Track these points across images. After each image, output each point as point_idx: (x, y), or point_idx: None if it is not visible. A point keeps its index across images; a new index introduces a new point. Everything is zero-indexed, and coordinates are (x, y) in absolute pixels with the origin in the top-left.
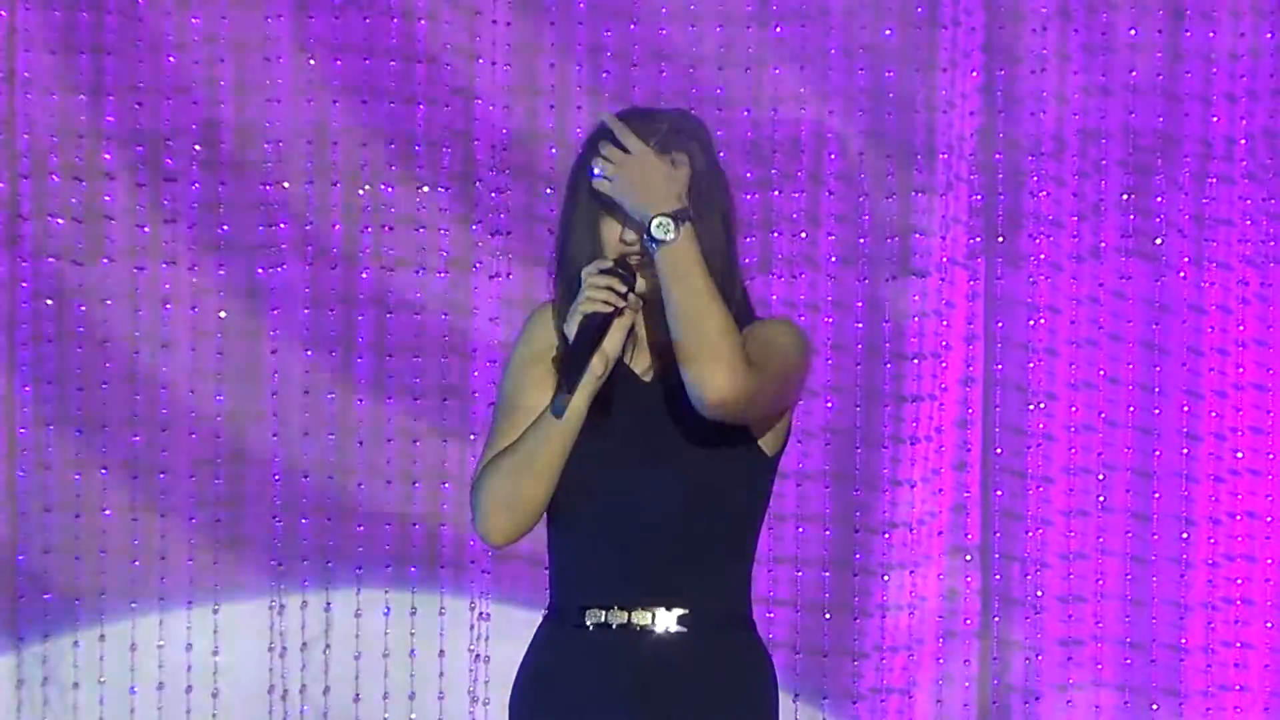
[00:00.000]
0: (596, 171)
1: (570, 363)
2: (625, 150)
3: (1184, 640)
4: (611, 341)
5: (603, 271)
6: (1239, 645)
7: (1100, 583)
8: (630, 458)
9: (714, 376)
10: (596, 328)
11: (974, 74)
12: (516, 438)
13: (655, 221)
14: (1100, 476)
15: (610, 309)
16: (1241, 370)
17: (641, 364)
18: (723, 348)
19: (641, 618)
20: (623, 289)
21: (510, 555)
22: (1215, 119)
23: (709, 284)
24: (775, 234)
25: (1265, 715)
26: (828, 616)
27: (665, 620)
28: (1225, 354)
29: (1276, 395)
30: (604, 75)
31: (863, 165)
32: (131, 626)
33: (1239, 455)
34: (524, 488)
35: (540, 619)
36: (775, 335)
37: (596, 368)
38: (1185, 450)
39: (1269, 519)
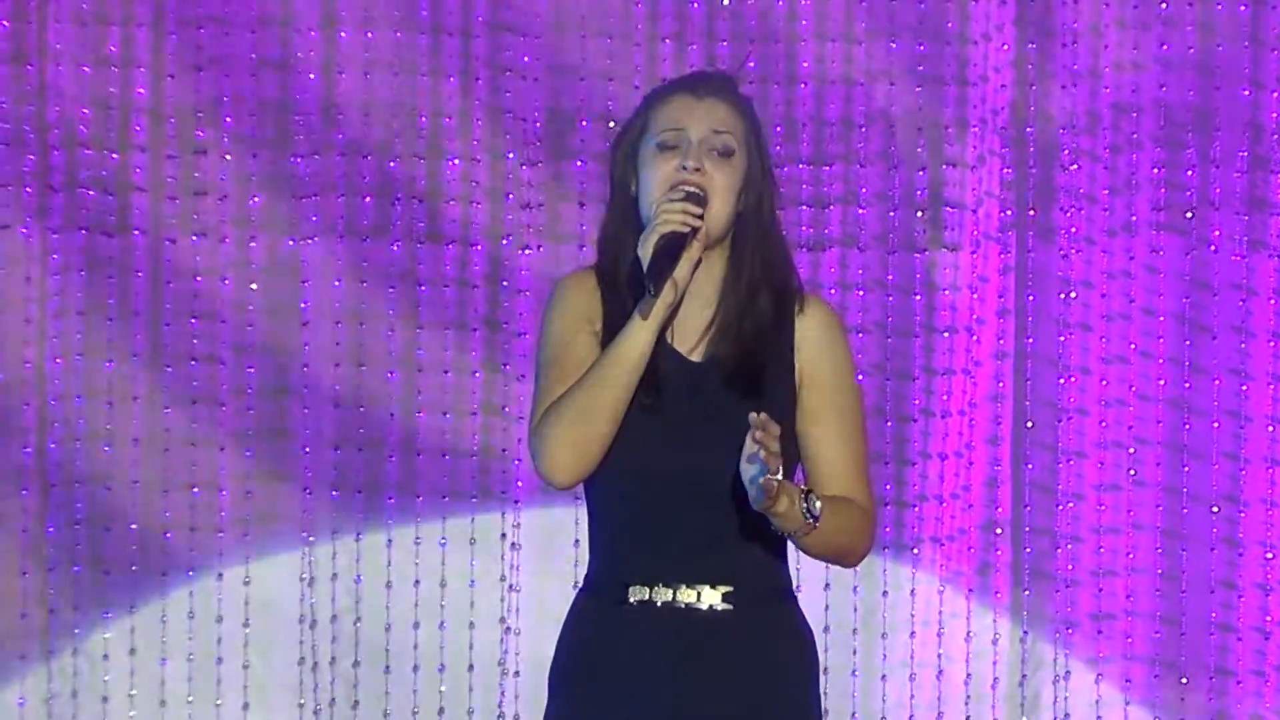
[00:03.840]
0: (759, 480)
1: (654, 269)
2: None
3: (1214, 616)
4: (681, 271)
5: (674, 199)
6: (1273, 624)
7: (1131, 557)
8: (678, 437)
9: (867, 540)
10: (676, 244)
11: (1005, 47)
12: (573, 383)
13: (806, 518)
14: (1132, 451)
15: (687, 229)
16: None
17: (685, 345)
18: (865, 542)
19: (687, 595)
20: (697, 210)
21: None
22: (1247, 93)
23: (838, 520)
24: (806, 209)
25: None
26: (858, 590)
27: (710, 598)
28: (1254, 336)
29: None
30: (634, 48)
31: (894, 139)
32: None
33: (1276, 432)
34: (589, 424)
35: (575, 595)
36: (855, 398)
37: (668, 294)
38: (1217, 425)
39: None
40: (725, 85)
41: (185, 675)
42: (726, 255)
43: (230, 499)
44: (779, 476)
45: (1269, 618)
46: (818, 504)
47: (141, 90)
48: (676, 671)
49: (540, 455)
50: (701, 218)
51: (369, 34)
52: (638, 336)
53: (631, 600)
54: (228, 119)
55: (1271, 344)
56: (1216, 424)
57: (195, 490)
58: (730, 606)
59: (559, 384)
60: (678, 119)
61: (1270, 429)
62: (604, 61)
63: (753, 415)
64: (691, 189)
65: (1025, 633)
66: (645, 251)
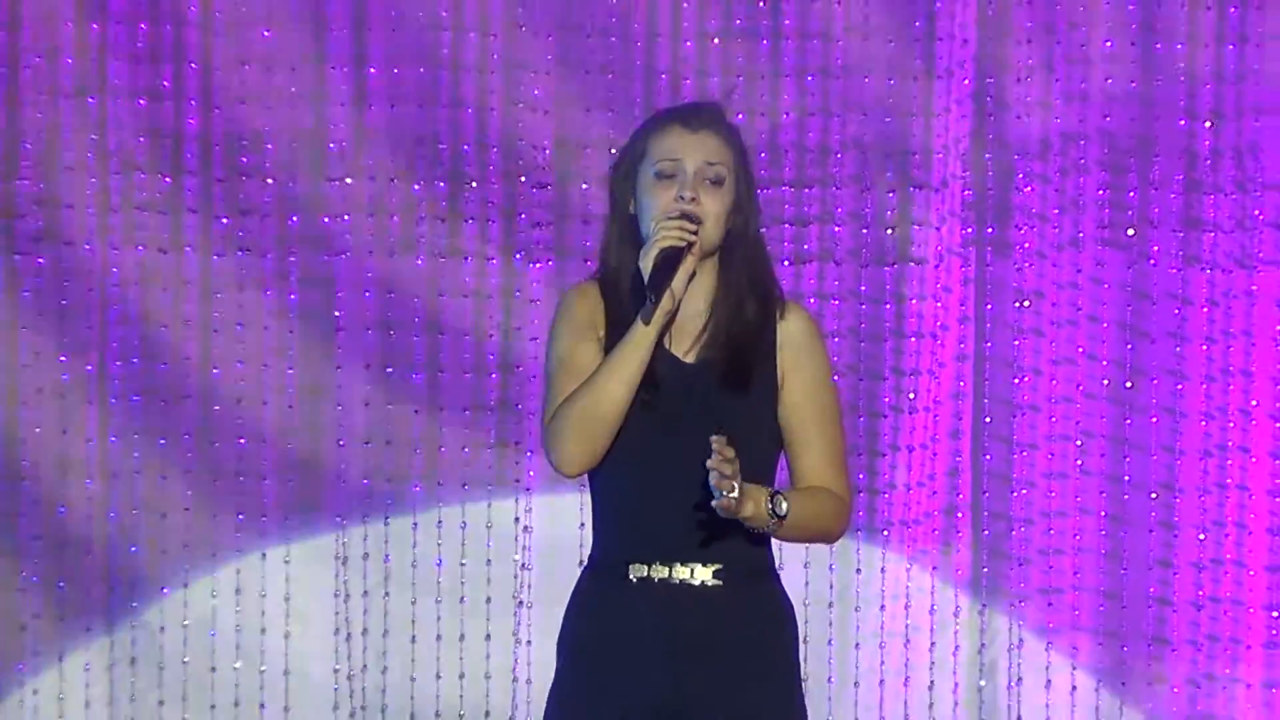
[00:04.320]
0: (722, 494)
1: (655, 280)
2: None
3: (1152, 591)
4: (678, 282)
5: (671, 217)
6: (1205, 598)
7: (1078, 538)
8: (675, 430)
9: (843, 523)
10: (674, 257)
11: (966, 82)
12: (582, 384)
13: (771, 522)
14: (1079, 443)
15: (683, 243)
16: (1211, 357)
17: (680, 349)
18: (840, 525)
19: (681, 572)
20: (692, 227)
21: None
22: (1183, 123)
23: (809, 510)
24: (788, 227)
25: (1219, 661)
26: (834, 568)
27: (702, 574)
28: (1188, 340)
29: (1237, 378)
30: (634, 83)
31: (867, 164)
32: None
33: (1208, 427)
34: (596, 420)
35: (581, 572)
36: (832, 396)
37: (666, 303)
38: (1155, 420)
39: (1238, 487)
40: (716, 118)
41: (233, 644)
42: (716, 269)
43: (273, 488)
44: (735, 494)
45: (1201, 592)
46: (784, 506)
47: (191, 120)
48: (672, 640)
49: (552, 448)
50: (696, 234)
51: (395, 69)
52: (640, 340)
53: (631, 577)
54: (269, 146)
55: (1204, 348)
56: (1155, 419)
57: (241, 479)
58: (720, 582)
59: (568, 386)
60: (674, 150)
61: (1203, 424)
62: (605, 95)
63: (713, 438)
64: (685, 214)
65: (983, 606)
66: (646, 264)
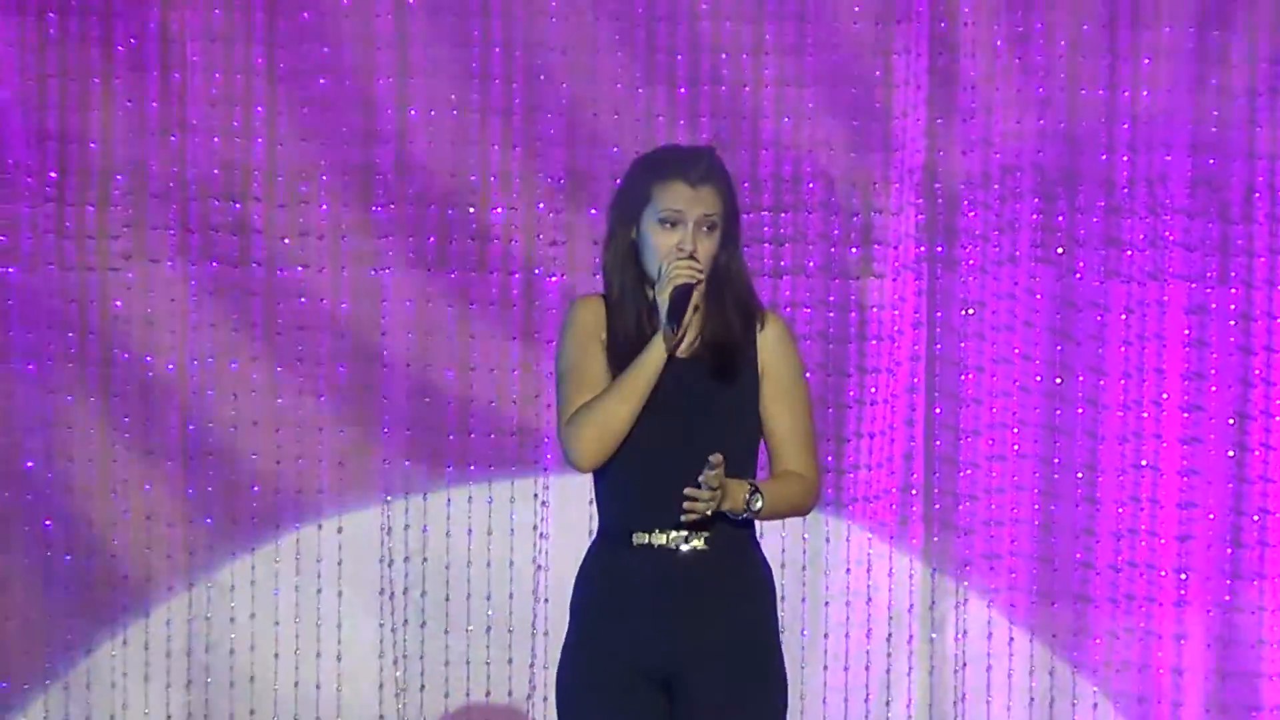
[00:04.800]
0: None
1: (673, 312)
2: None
3: (1078, 557)
4: (689, 314)
5: (681, 259)
6: (1123, 563)
7: (1015, 511)
8: (672, 417)
9: (812, 501)
10: (685, 293)
11: (919, 122)
12: (601, 391)
13: (745, 513)
14: (1015, 430)
15: (695, 280)
16: (1128, 357)
17: (681, 347)
18: (806, 500)
19: (676, 539)
20: (699, 266)
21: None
22: (1104, 157)
23: (781, 494)
24: (767, 246)
25: (1135, 617)
26: (806, 538)
27: (695, 542)
28: (1108, 343)
29: (1150, 375)
30: (636, 122)
31: (834, 192)
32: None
33: (1126, 417)
34: (613, 418)
35: (590, 543)
36: (804, 391)
37: (686, 322)
38: (1081, 411)
39: (1151, 468)
40: (713, 170)
41: (293, 602)
42: (706, 290)
43: (327, 467)
44: (710, 508)
45: (1119, 557)
46: (759, 503)
47: (259, 156)
48: (668, 596)
49: (571, 450)
50: (702, 272)
51: (432, 112)
52: (654, 363)
53: (634, 544)
54: (324, 177)
55: (1122, 349)
56: (1080, 410)
57: (300, 461)
58: (709, 548)
59: (579, 386)
60: (677, 203)
61: (1121, 414)
62: (613, 132)
63: (711, 457)
64: (690, 255)
65: (934, 570)
66: (663, 299)
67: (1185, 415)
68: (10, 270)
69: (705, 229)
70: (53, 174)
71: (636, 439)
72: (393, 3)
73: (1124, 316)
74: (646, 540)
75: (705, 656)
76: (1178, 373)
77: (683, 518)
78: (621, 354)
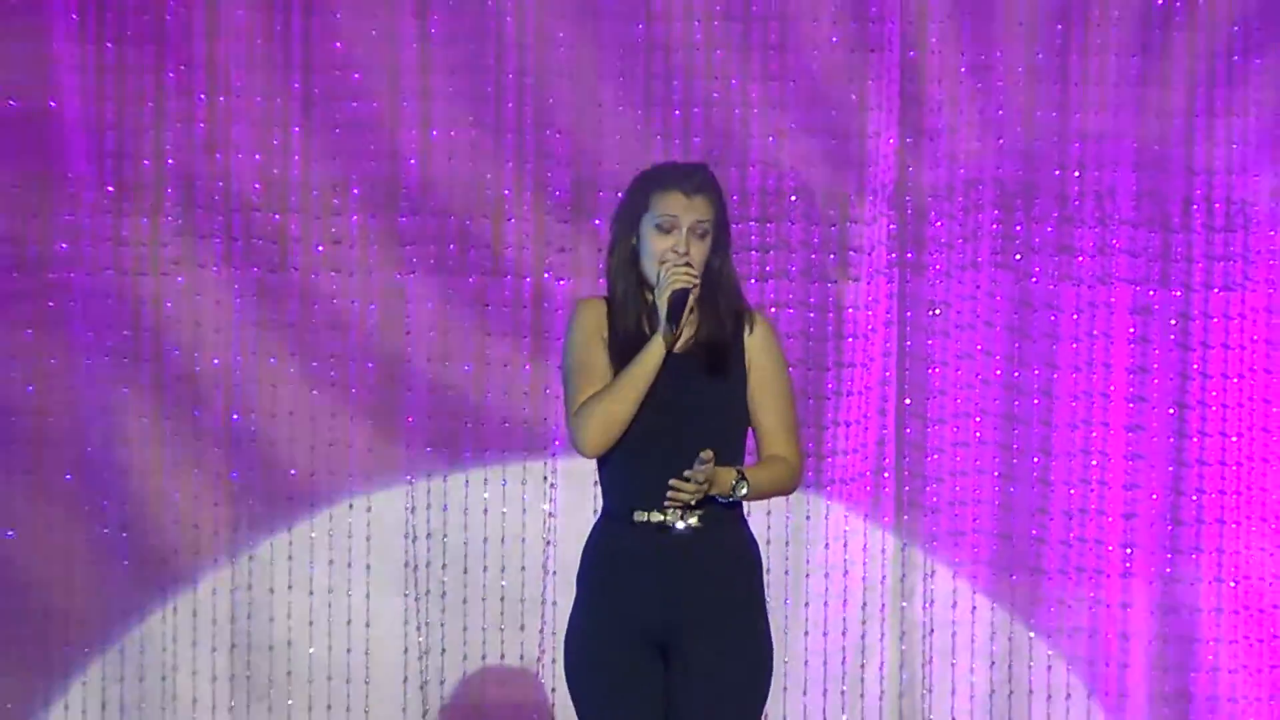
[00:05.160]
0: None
1: (672, 314)
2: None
3: (1034, 533)
4: (686, 315)
5: (679, 265)
6: (1073, 539)
7: (977, 493)
8: (669, 408)
9: (795, 484)
10: (683, 295)
11: (891, 141)
12: (606, 385)
13: (732, 496)
14: (977, 419)
15: (691, 285)
16: (1078, 353)
17: (678, 345)
18: (789, 483)
19: (673, 517)
20: (695, 271)
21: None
22: (1057, 173)
23: (766, 479)
24: (754, 253)
25: (1084, 587)
26: (789, 516)
27: (689, 519)
28: (1061, 339)
29: (1098, 370)
30: (635, 141)
31: (815, 205)
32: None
33: (1076, 407)
34: (617, 410)
35: (596, 517)
36: (787, 383)
37: (683, 323)
38: (1036, 402)
39: (1100, 453)
40: (706, 181)
41: (326, 574)
42: (699, 293)
43: (357, 453)
44: (694, 498)
45: (1070, 534)
46: (744, 490)
47: (295, 172)
48: (665, 568)
49: (579, 439)
50: (698, 276)
51: (452, 133)
52: (655, 360)
53: (635, 522)
54: (354, 191)
55: (1073, 346)
56: (1035, 401)
57: (332, 447)
58: (703, 526)
59: (585, 381)
60: (673, 210)
61: (1072, 404)
62: (615, 150)
63: (702, 453)
64: (685, 261)
65: (904, 544)
66: (662, 301)
67: (1130, 405)
68: (72, 275)
69: (698, 234)
70: (110, 188)
71: (637, 428)
72: (416, 33)
73: (1075, 316)
74: (646, 518)
75: (698, 622)
76: (1123, 367)
77: (665, 504)
78: (623, 350)
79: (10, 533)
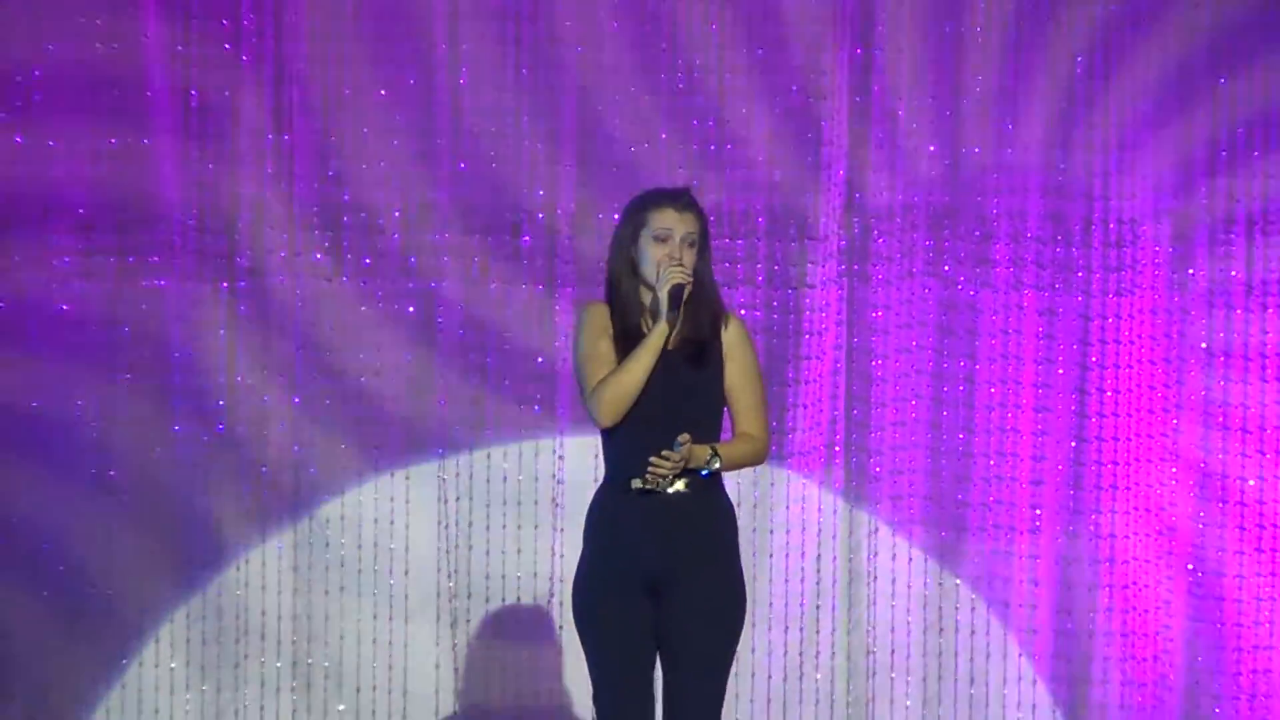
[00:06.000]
0: (645, 483)
1: (674, 304)
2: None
3: (960, 497)
4: (682, 307)
5: (675, 266)
6: (992, 501)
7: (913, 463)
8: (660, 392)
9: (762, 458)
10: (680, 290)
11: (841, 173)
12: (615, 367)
13: (708, 469)
14: (912, 403)
15: (686, 280)
16: (994, 346)
17: (669, 339)
18: (757, 456)
19: (664, 484)
20: (689, 270)
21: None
22: (979, 199)
23: (736, 453)
24: (726, 265)
25: (1001, 542)
26: (757, 482)
27: (677, 486)
28: (980, 335)
29: (1011, 360)
30: (633, 175)
31: (777, 223)
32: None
33: (993, 392)
34: (631, 384)
35: (597, 484)
36: (757, 373)
37: (679, 314)
38: (961, 388)
39: (1013, 429)
40: (692, 202)
41: (373, 531)
42: (691, 288)
43: (397, 431)
44: (671, 474)
45: (990, 497)
46: (715, 464)
47: (348, 198)
48: (658, 526)
49: (598, 411)
50: (690, 275)
51: (478, 165)
52: (659, 342)
53: (632, 487)
54: (395, 213)
55: (991, 341)
56: (960, 387)
57: (377, 425)
58: (689, 491)
59: (597, 366)
60: (668, 223)
61: (991, 389)
62: (617, 180)
63: (681, 436)
64: (679, 262)
65: (852, 507)
66: (663, 295)
67: (1038, 391)
68: (162, 282)
69: (689, 244)
70: (194, 210)
71: (635, 410)
72: (448, 85)
73: (992, 316)
74: (641, 485)
75: (685, 570)
76: (1032, 359)
77: (647, 476)
78: (628, 341)
79: (124, 499)
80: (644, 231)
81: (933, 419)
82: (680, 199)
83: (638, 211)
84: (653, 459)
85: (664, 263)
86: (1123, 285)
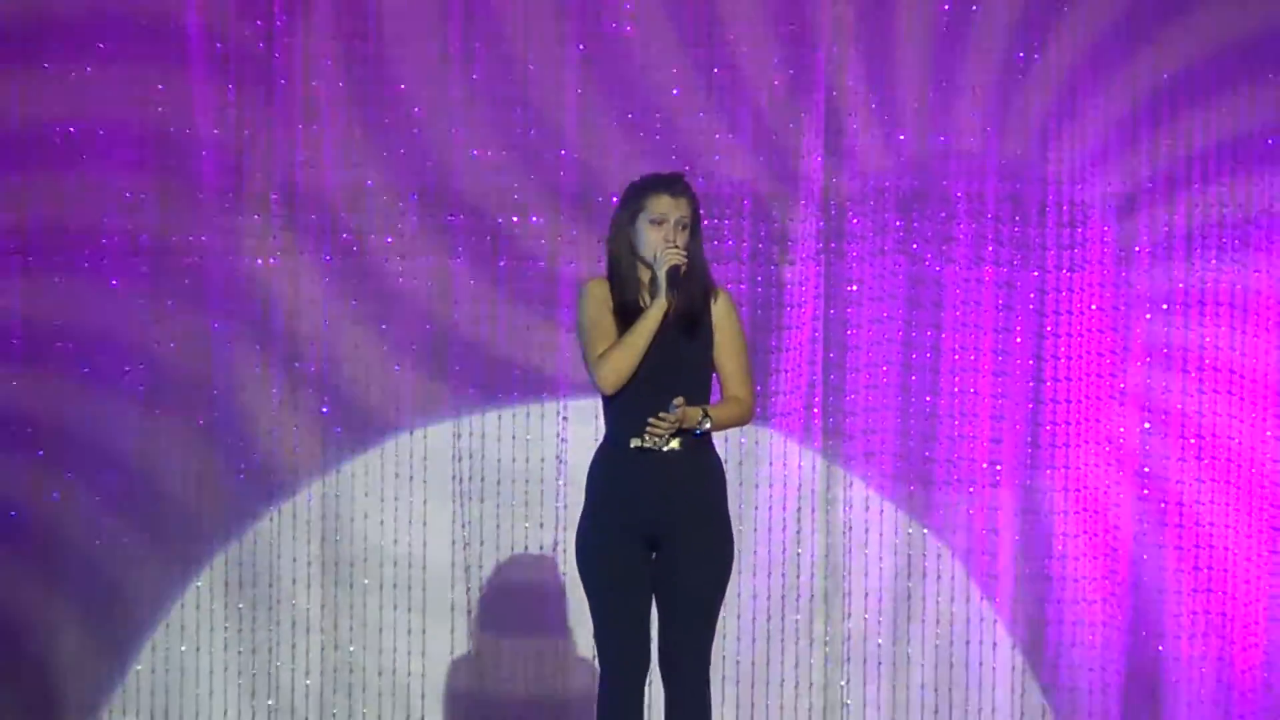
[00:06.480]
0: (645, 443)
1: (671, 282)
2: (668, 421)
3: (927, 454)
4: (679, 284)
5: (672, 248)
6: (956, 458)
7: (884, 424)
8: (658, 360)
9: (748, 418)
10: (677, 269)
11: (818, 159)
12: (617, 340)
13: (700, 429)
14: (884, 369)
15: (682, 261)
16: (955, 315)
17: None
18: (744, 417)
19: (660, 443)
20: (684, 252)
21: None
22: (945, 182)
23: (725, 415)
24: (715, 244)
25: (963, 495)
26: (743, 441)
27: (672, 444)
28: (943, 308)
29: (971, 329)
30: (628, 163)
31: (763, 209)
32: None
33: (955, 359)
34: (632, 355)
35: (598, 443)
36: (743, 342)
37: (676, 293)
38: (928, 354)
39: (973, 391)
40: (686, 186)
41: (393, 486)
42: (685, 267)
43: (414, 395)
44: (668, 433)
45: (954, 454)
46: (706, 425)
47: (369, 183)
48: (653, 484)
49: (601, 379)
50: (686, 256)
51: (489, 152)
52: (657, 316)
53: (631, 446)
54: (413, 197)
55: (956, 313)
56: (927, 354)
57: (397, 389)
58: (682, 449)
59: (599, 337)
60: (663, 208)
61: (955, 356)
62: (614, 168)
63: (675, 400)
64: (674, 245)
65: (829, 463)
66: (661, 274)
67: (998, 358)
68: (201, 259)
69: (682, 227)
70: (230, 194)
71: (634, 376)
72: (461, 78)
73: (956, 290)
74: (639, 444)
75: (679, 520)
76: (992, 328)
77: (645, 436)
78: (626, 315)
79: (172, 466)
80: (641, 215)
81: (902, 383)
82: (674, 186)
83: (635, 197)
84: (651, 419)
85: (660, 245)
86: (1075, 261)
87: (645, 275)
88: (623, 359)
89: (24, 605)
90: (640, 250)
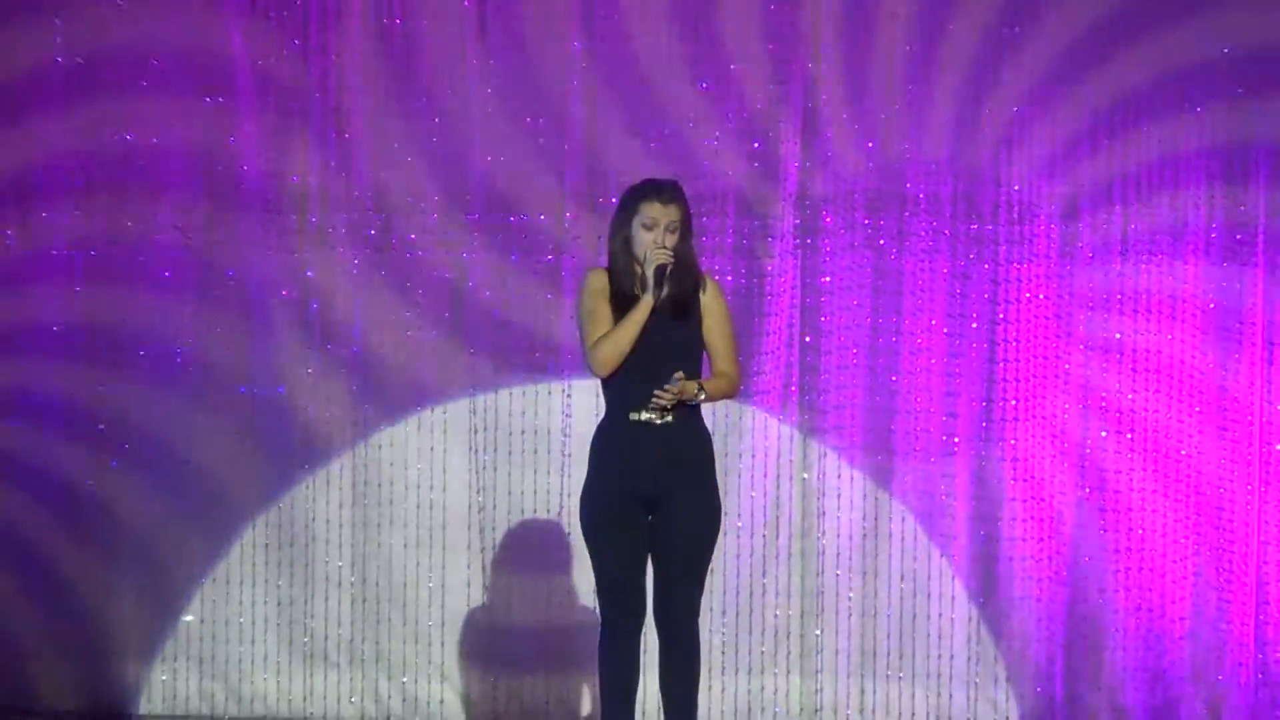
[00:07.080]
0: (650, 413)
1: (657, 280)
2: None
3: (891, 427)
4: (666, 281)
5: (661, 249)
6: (919, 430)
7: (853, 400)
8: (652, 342)
9: (736, 391)
10: (664, 268)
11: (795, 164)
12: (611, 327)
13: (695, 400)
14: (853, 351)
15: (668, 262)
16: (919, 302)
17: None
18: (732, 390)
19: (657, 416)
20: (670, 253)
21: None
22: (909, 186)
23: (716, 388)
24: (704, 239)
25: (929, 463)
26: (727, 415)
27: (667, 417)
28: (902, 295)
29: (940, 316)
30: (627, 170)
31: (746, 208)
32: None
33: (914, 341)
34: (621, 346)
35: (599, 417)
36: (730, 325)
37: (663, 287)
38: (896, 339)
39: (944, 374)
40: (677, 192)
41: (417, 457)
42: (672, 266)
43: (436, 373)
44: (671, 401)
45: (916, 426)
46: (702, 396)
47: (395, 186)
48: (650, 453)
49: (596, 364)
50: (672, 256)
51: (504, 155)
52: (646, 309)
53: (630, 420)
54: (435, 196)
55: (917, 300)
56: (893, 338)
57: (421, 368)
58: (675, 421)
59: (595, 325)
60: (654, 213)
61: (915, 340)
62: (616, 171)
63: (676, 374)
64: (663, 247)
65: (804, 435)
66: (649, 272)
67: (955, 340)
68: (245, 254)
69: (671, 230)
70: (270, 199)
71: (633, 357)
72: (480, 88)
73: (918, 280)
74: (638, 417)
75: (673, 485)
76: (948, 315)
77: (651, 404)
78: (622, 304)
79: (218, 439)
80: (635, 218)
81: (869, 365)
82: (665, 193)
83: (631, 201)
84: (656, 391)
85: (650, 246)
86: (1025, 255)
87: (639, 270)
88: (613, 348)
89: (89, 564)
90: (634, 249)
